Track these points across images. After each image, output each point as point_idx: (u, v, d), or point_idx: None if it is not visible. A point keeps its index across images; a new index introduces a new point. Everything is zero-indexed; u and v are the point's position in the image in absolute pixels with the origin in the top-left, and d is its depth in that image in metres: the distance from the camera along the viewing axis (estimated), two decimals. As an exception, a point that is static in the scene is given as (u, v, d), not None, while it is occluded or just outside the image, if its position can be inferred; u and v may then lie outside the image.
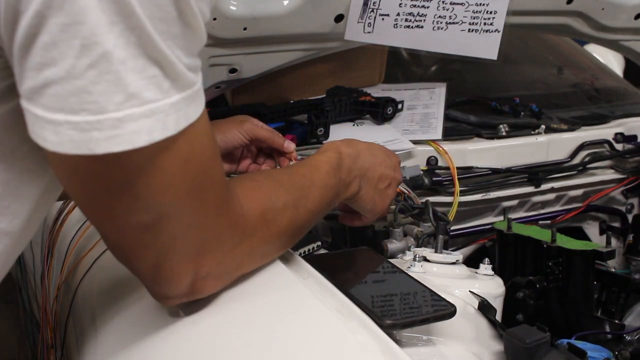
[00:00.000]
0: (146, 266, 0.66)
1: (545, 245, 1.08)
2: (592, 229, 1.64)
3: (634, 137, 1.64)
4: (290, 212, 0.78)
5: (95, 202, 0.63)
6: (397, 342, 0.67)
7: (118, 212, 0.62)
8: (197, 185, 0.63)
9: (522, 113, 1.60)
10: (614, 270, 1.22)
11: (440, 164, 1.40)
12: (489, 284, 0.94)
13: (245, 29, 1.25)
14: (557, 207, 1.55)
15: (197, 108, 0.62)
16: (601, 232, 1.63)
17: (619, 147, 1.62)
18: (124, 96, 0.54)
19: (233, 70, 1.34)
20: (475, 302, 0.86)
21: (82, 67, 0.53)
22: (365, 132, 1.41)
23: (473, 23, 1.34)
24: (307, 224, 0.84)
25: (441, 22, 1.34)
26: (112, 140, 0.55)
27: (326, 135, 1.35)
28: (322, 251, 1.00)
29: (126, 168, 0.58)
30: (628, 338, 1.04)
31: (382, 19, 1.33)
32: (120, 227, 0.63)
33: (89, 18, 0.52)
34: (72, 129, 0.54)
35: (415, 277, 0.82)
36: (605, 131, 1.64)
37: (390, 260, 0.93)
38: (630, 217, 1.62)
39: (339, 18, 1.33)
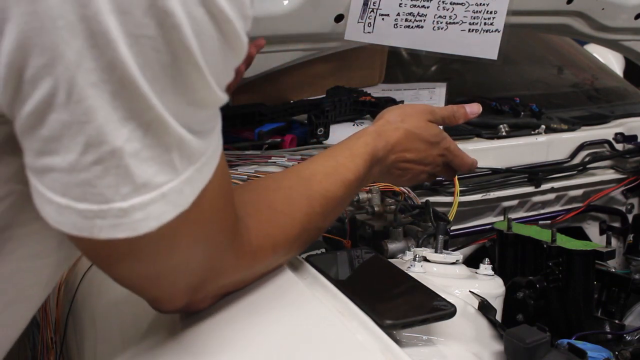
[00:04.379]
0: (143, 295, 0.65)
1: (545, 245, 1.08)
2: (592, 229, 1.64)
3: (634, 137, 1.64)
4: (306, 235, 0.76)
5: (99, 262, 0.60)
6: (397, 342, 0.67)
7: (121, 272, 0.60)
8: (204, 235, 0.60)
9: (522, 113, 1.60)
10: (614, 270, 1.21)
11: (440, 164, 1.40)
12: (489, 284, 0.94)
13: (245, 29, 1.25)
14: (557, 207, 1.55)
15: (212, 166, 0.57)
16: (601, 232, 1.63)
17: (619, 147, 1.63)
18: (132, 187, 0.50)
19: (233, 70, 1.33)
20: (475, 302, 0.86)
21: (86, 163, 0.48)
22: (365, 132, 1.41)
23: (473, 23, 1.34)
24: (321, 232, 0.83)
25: (441, 22, 1.34)
26: (116, 228, 0.51)
27: (326, 135, 1.35)
28: (322, 251, 1.00)
29: (132, 245, 0.54)
30: (628, 338, 1.04)
31: (382, 19, 1.33)
32: (121, 277, 0.61)
33: (96, 117, 0.47)
34: (74, 214, 0.50)
35: (415, 277, 0.82)
36: (605, 131, 1.64)
37: (390, 260, 0.93)
38: (630, 217, 1.62)
39: (339, 18, 1.33)
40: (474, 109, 0.98)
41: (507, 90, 1.82)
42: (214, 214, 0.60)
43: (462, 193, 1.37)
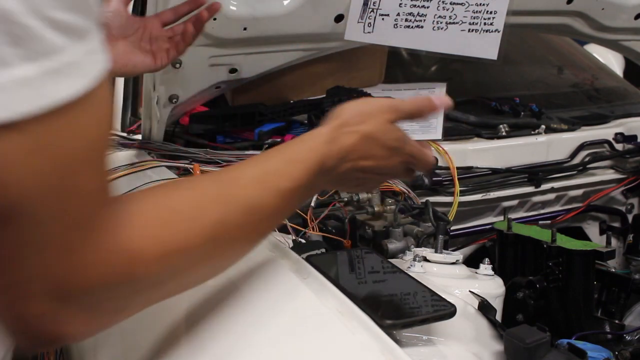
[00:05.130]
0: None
1: (545, 245, 1.08)
2: (592, 229, 1.64)
3: (634, 137, 1.64)
4: (217, 247, 0.60)
5: None
6: (397, 342, 0.67)
7: None
8: (52, 201, 0.46)
9: (522, 113, 1.60)
10: (614, 270, 1.21)
11: (440, 164, 1.40)
12: (489, 284, 0.94)
13: (245, 29, 1.25)
14: (557, 207, 1.55)
15: (75, 83, 0.44)
16: (601, 232, 1.63)
17: (619, 147, 1.63)
18: None
19: (233, 70, 1.33)
20: (475, 302, 0.86)
21: None
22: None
23: (473, 23, 1.34)
24: (246, 246, 0.65)
25: (441, 22, 1.34)
26: None
27: (326, 135, 1.35)
28: (322, 251, 1.00)
29: None
30: (628, 338, 1.04)
31: (382, 19, 1.33)
32: None
33: None
34: None
35: (415, 277, 0.82)
36: (605, 131, 1.64)
37: (390, 260, 0.93)
38: (630, 217, 1.62)
39: (339, 18, 1.33)
40: (443, 100, 0.82)
41: (507, 90, 1.82)
42: (71, 176, 0.46)
43: (462, 193, 1.37)
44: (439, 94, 1.56)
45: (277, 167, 0.67)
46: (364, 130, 0.74)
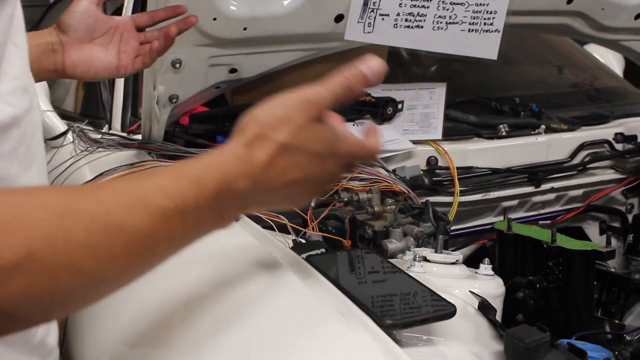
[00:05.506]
0: None
1: (545, 245, 1.08)
2: (592, 229, 1.64)
3: (634, 137, 1.64)
4: (42, 271, 0.45)
5: None
6: (397, 342, 0.67)
7: None
8: None
9: (522, 113, 1.61)
10: (614, 270, 1.22)
11: (440, 164, 1.40)
12: (489, 284, 0.94)
13: (245, 29, 1.25)
14: (557, 207, 1.55)
15: None
16: (601, 232, 1.63)
17: (619, 147, 1.63)
18: None
19: (233, 70, 1.33)
20: (475, 302, 0.86)
21: None
22: (365, 132, 1.41)
23: (473, 23, 1.34)
24: (93, 275, 0.49)
25: (441, 22, 1.34)
26: None
27: (326, 135, 1.35)
28: (322, 251, 1.00)
29: None
30: (628, 338, 1.04)
31: (382, 19, 1.33)
32: None
33: None
34: None
35: (415, 277, 0.82)
36: (605, 131, 1.64)
37: (390, 260, 0.93)
38: (630, 217, 1.62)
39: (339, 18, 1.33)
40: (372, 64, 0.64)
41: (507, 90, 1.82)
42: None
43: (462, 193, 1.37)
44: (439, 94, 1.56)
45: (158, 182, 0.54)
46: (281, 140, 0.60)
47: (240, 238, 0.89)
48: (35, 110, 0.61)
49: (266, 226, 0.98)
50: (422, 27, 1.34)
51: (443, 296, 0.76)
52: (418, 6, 1.32)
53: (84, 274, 0.48)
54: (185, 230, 0.55)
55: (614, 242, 1.35)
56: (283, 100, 0.64)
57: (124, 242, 0.50)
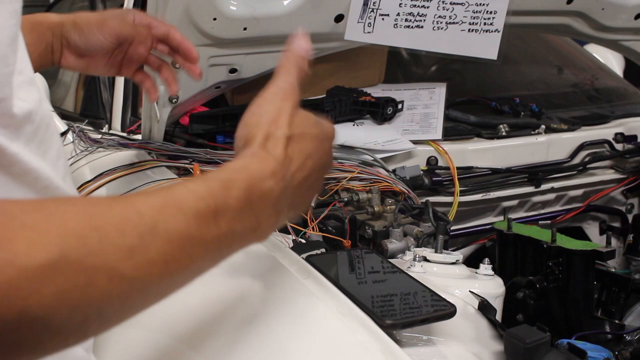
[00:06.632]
0: None
1: (545, 245, 1.09)
2: (592, 229, 1.64)
3: (634, 137, 1.64)
4: (71, 272, 0.42)
5: None
6: (397, 342, 0.67)
7: None
8: None
9: (522, 113, 1.61)
10: (614, 270, 1.22)
11: (440, 164, 1.40)
12: (489, 284, 0.94)
13: (245, 29, 1.25)
14: (557, 207, 1.55)
15: None
16: (601, 232, 1.63)
17: (619, 147, 1.63)
18: None
19: (233, 70, 1.33)
20: (475, 302, 0.86)
21: None
22: (365, 132, 1.41)
23: (473, 23, 1.34)
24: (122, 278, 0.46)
25: (441, 22, 1.34)
26: None
27: (326, 135, 1.35)
28: (322, 251, 1.00)
29: None
30: (628, 338, 1.04)
31: (382, 19, 1.33)
32: None
33: None
34: None
35: (415, 277, 0.82)
36: (605, 131, 1.64)
37: (390, 260, 0.93)
38: (630, 217, 1.62)
39: (339, 18, 1.33)
40: (300, 42, 0.70)
41: (507, 90, 1.82)
42: None
43: (462, 193, 1.37)
44: (439, 94, 1.56)
45: (186, 186, 0.53)
46: (286, 133, 0.62)
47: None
48: (45, 102, 0.59)
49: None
50: (422, 27, 1.34)
51: (443, 296, 0.76)
52: (418, 6, 1.32)
53: (121, 277, 0.45)
54: (219, 232, 0.52)
55: (614, 242, 1.35)
56: (265, 97, 0.66)
57: (158, 244, 0.48)
